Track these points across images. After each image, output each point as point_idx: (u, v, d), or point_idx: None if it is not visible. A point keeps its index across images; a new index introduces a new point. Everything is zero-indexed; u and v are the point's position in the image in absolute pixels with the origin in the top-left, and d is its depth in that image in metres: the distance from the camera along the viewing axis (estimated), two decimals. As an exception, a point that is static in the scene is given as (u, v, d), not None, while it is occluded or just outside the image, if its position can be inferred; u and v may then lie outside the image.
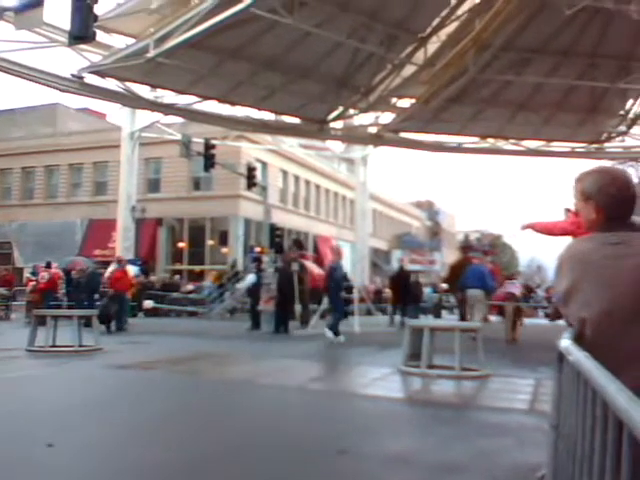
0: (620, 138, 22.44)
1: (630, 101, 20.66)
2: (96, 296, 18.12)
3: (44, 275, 18.98)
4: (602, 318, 2.05)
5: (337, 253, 14.85)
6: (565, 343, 2.04)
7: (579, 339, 2.05)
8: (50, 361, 9.80)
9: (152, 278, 26.82)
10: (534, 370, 9.06)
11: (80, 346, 10.87)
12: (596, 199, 2.30)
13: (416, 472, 4.29)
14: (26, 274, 27.14)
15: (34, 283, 19.25)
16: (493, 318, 19.33)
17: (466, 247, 18.87)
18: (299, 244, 25.87)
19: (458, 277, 15.47)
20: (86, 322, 12.02)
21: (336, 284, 13.88)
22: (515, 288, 16.19)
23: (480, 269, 14.77)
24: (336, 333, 13.29)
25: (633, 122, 21.40)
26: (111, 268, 19.80)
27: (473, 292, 14.10)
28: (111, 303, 15.93)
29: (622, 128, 21.79)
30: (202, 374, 8.98)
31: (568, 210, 5.24)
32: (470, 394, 7.79)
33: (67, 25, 12.27)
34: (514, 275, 19.30)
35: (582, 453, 1.59)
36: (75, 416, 5.82)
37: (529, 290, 25.40)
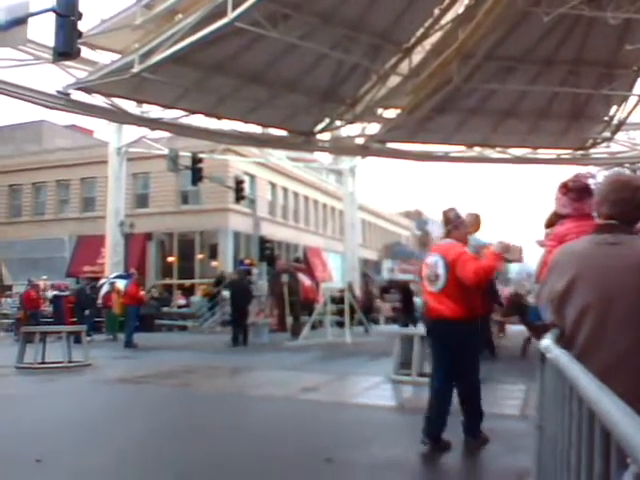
0: (605, 144, 22.54)
1: (614, 107, 20.77)
2: (86, 312, 18.03)
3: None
4: (596, 318, 2.01)
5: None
6: (545, 342, 2.05)
7: (571, 340, 2.01)
8: (39, 377, 9.75)
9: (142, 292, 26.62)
10: (525, 375, 9.07)
11: (70, 362, 10.84)
12: (599, 197, 2.38)
13: (402, 478, 4.30)
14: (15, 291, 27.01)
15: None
16: None
17: None
18: (298, 261, 26.64)
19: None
20: (76, 338, 12.01)
21: None
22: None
23: None
24: None
25: (617, 128, 21.49)
26: (105, 287, 19.64)
27: None
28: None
29: (607, 134, 21.88)
30: (193, 387, 8.96)
31: (539, 242, 4.97)
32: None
33: (51, 42, 12.23)
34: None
35: (562, 448, 1.61)
36: (64, 433, 5.79)
37: (519, 297, 25.20)
